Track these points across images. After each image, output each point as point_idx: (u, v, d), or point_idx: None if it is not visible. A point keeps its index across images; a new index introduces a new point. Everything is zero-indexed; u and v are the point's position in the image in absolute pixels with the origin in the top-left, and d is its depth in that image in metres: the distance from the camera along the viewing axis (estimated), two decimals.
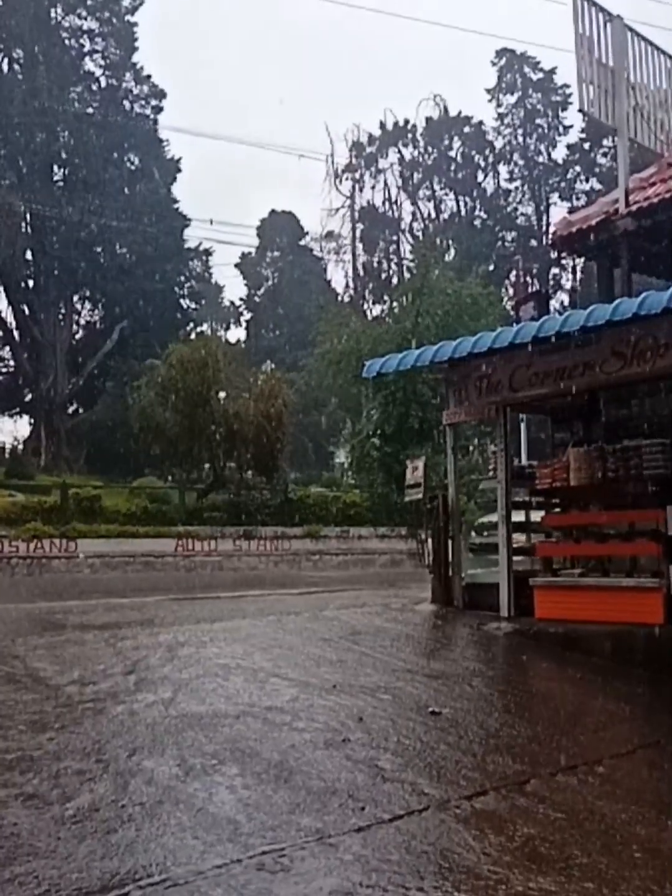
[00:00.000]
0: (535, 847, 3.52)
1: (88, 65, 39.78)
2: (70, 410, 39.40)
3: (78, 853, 3.15)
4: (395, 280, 43.72)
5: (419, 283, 24.98)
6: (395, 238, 47.76)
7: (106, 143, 38.29)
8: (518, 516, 8.90)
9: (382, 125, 46.89)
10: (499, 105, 47.81)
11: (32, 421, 39.19)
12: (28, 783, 3.76)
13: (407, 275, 37.42)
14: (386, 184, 47.52)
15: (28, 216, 36.84)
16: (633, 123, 9.97)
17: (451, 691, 5.73)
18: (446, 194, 48.65)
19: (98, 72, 39.92)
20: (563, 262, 42.68)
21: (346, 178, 46.32)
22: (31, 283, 38.37)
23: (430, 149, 47.97)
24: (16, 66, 38.06)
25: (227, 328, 52.04)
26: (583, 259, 27.72)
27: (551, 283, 43.79)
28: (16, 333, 38.46)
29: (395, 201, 47.82)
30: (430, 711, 5.16)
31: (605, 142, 41.65)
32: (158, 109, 40.80)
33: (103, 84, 39.81)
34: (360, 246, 46.67)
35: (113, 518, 21.53)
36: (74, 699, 5.04)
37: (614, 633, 7.18)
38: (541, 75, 46.96)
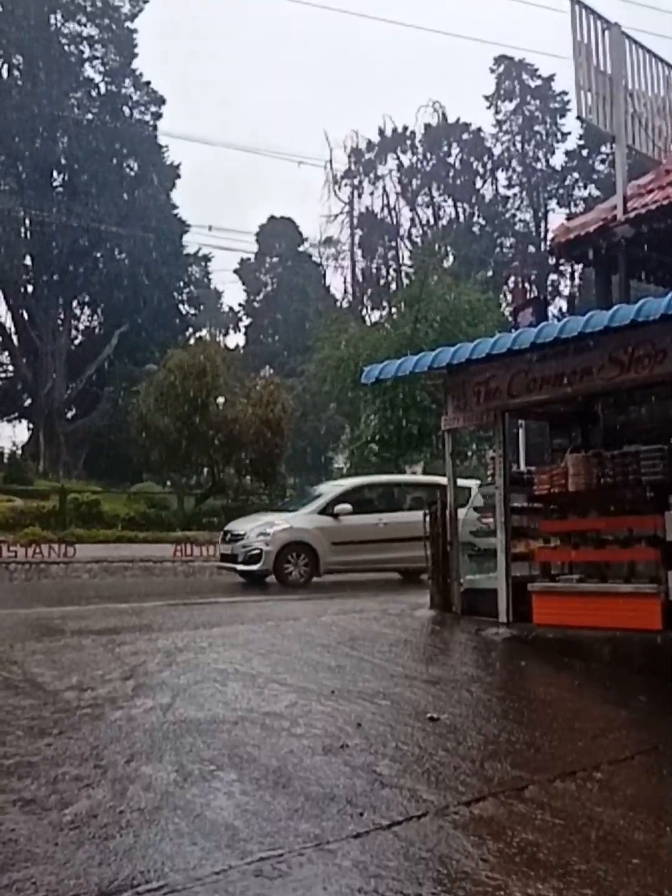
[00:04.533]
0: (533, 853, 3.52)
1: (88, 71, 39.83)
2: (69, 416, 39.37)
3: (76, 859, 3.15)
4: (393, 286, 43.75)
5: (418, 289, 25.05)
6: (393, 244, 47.84)
7: (105, 148, 38.32)
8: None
9: (381, 132, 47.05)
10: (497, 112, 47.99)
11: (31, 426, 39.19)
12: (26, 789, 3.76)
13: (405, 281, 37.42)
14: (385, 190, 47.66)
15: (27, 222, 36.89)
16: (631, 130, 10.01)
17: (449, 697, 5.73)
18: (445, 201, 48.77)
19: (97, 78, 39.98)
20: (562, 268, 42.82)
21: (345, 185, 46.38)
22: (30, 288, 38.38)
23: (428, 155, 48.08)
24: (15, 72, 38.12)
25: (226, 334, 52.03)
26: (581, 265, 27.73)
27: (549, 289, 43.88)
28: (15, 339, 38.47)
29: (394, 208, 47.96)
30: (429, 717, 5.16)
31: (603, 148, 41.78)
32: (158, 115, 40.88)
33: (103, 90, 39.87)
34: (358, 252, 46.71)
35: (111, 523, 21.50)
36: (73, 705, 5.04)
37: (612, 639, 7.18)
38: (539, 82, 47.12)
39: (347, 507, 14.76)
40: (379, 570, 14.97)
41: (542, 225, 46.91)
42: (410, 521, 15.08)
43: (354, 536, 14.58)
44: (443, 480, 17.22)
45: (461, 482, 16.87)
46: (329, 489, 15.96)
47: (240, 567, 14.69)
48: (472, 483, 16.64)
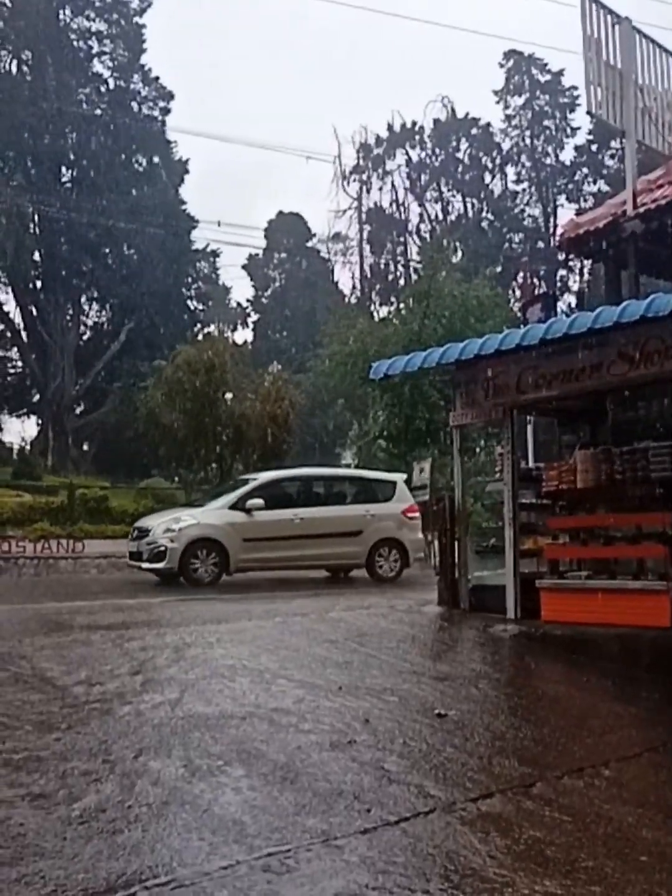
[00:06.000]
0: (541, 850, 3.52)
1: (97, 66, 39.91)
2: (77, 411, 39.47)
3: (84, 854, 3.16)
4: (401, 282, 43.72)
5: (426, 284, 24.97)
6: (402, 239, 47.74)
7: (114, 144, 38.38)
8: None
9: (390, 127, 46.91)
10: (506, 107, 47.82)
11: (40, 422, 39.33)
12: (35, 783, 3.77)
13: (414, 276, 37.41)
14: (393, 185, 47.52)
15: (36, 217, 36.96)
16: (641, 125, 9.96)
17: (457, 693, 5.73)
18: (453, 196, 48.63)
19: (106, 73, 40.03)
20: (571, 264, 42.61)
21: (354, 180, 46.25)
22: (38, 284, 38.47)
23: (437, 150, 47.95)
24: (24, 68, 38.17)
25: (234, 329, 52.08)
26: (590, 261, 27.64)
27: (559, 285, 43.74)
28: (24, 334, 38.57)
29: (403, 203, 47.84)
30: (437, 713, 5.15)
31: (612, 144, 41.65)
32: (166, 111, 40.89)
33: (111, 85, 39.90)
34: (367, 247, 46.59)
35: (120, 518, 21.56)
36: (81, 699, 5.05)
37: (621, 636, 7.17)
38: (548, 77, 46.95)
39: (259, 501, 13.95)
40: (297, 568, 14.34)
41: (552, 220, 46.78)
42: (333, 516, 14.59)
43: (268, 533, 13.84)
44: (367, 474, 16.85)
45: (387, 476, 16.59)
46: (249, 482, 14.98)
47: (145, 565, 13.90)
48: (398, 476, 16.40)
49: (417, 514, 15.34)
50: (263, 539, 13.80)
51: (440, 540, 9.33)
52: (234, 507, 14.01)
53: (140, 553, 13.90)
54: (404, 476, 16.51)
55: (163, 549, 13.46)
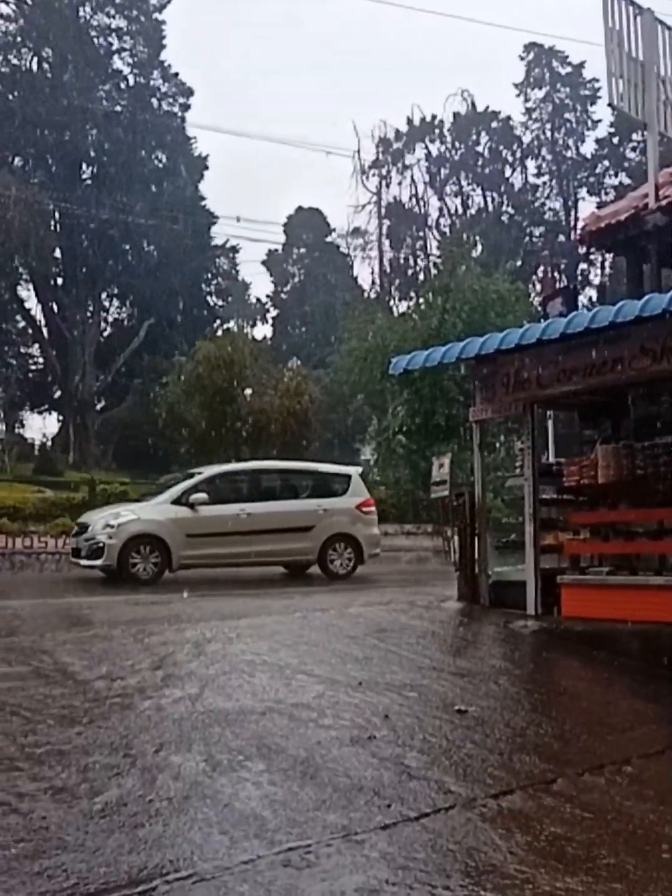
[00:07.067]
0: (561, 847, 3.51)
1: (117, 63, 40.02)
2: (98, 407, 39.68)
3: (106, 847, 3.18)
4: (421, 276, 43.58)
5: (446, 279, 24.92)
6: (421, 234, 47.59)
7: (134, 140, 38.51)
8: None
9: (409, 121, 46.70)
10: (527, 100, 47.46)
11: (61, 418, 39.58)
12: (57, 777, 3.80)
13: (433, 271, 37.25)
14: (413, 180, 47.31)
15: (57, 214, 37.15)
16: (663, 117, 9.85)
17: (477, 689, 5.71)
18: (473, 190, 48.37)
19: (126, 70, 40.16)
20: (592, 257, 42.38)
21: (373, 175, 46.18)
22: (59, 280, 38.68)
23: (457, 144, 47.70)
24: (45, 65, 38.36)
25: (254, 325, 52.09)
26: (612, 254, 27.47)
27: (580, 278, 43.43)
28: (45, 331, 38.82)
29: (422, 197, 47.63)
30: (457, 709, 5.15)
31: (634, 136, 41.21)
32: (186, 107, 40.97)
33: (131, 82, 40.03)
34: (386, 242, 46.54)
35: None
36: (102, 694, 5.08)
37: (642, 632, 7.12)
38: (569, 69, 46.56)
39: (203, 496, 13.50)
40: (245, 565, 13.91)
41: (572, 214, 46.47)
42: (283, 511, 14.10)
43: (213, 528, 13.33)
44: (320, 467, 16.44)
45: (342, 469, 16.27)
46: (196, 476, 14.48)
47: (83, 562, 13.39)
48: (353, 470, 16.11)
49: (373, 509, 15.09)
50: (208, 535, 13.30)
51: (460, 535, 9.30)
52: (176, 501, 13.56)
53: (79, 549, 13.52)
54: (360, 469, 16.18)
55: (101, 545, 12.98)
